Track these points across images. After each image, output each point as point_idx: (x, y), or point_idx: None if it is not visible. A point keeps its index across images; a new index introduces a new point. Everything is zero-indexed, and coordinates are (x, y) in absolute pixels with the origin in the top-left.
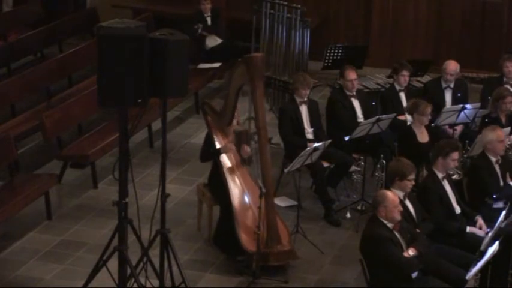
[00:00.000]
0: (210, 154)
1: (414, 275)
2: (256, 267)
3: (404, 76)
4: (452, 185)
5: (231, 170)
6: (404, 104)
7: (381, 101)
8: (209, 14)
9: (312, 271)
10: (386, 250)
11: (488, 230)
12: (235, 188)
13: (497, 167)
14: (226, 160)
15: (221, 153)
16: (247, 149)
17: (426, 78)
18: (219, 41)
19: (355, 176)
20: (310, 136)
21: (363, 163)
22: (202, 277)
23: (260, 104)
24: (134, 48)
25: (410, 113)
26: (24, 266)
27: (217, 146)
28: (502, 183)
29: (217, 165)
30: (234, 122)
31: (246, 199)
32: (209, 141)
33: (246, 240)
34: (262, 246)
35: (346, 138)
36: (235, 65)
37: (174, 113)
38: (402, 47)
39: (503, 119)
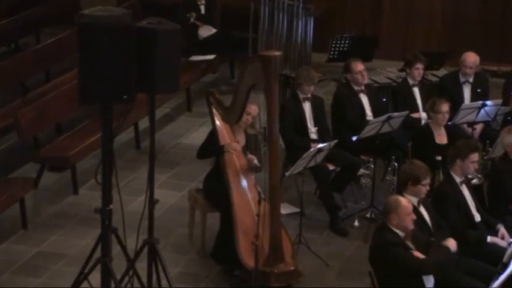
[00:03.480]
0: (210, 151)
1: (429, 285)
2: (254, 283)
3: (418, 69)
4: (472, 190)
5: (235, 172)
6: (418, 100)
7: (392, 97)
8: (203, 1)
9: (315, 285)
10: (396, 254)
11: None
12: (238, 193)
13: None
14: (230, 160)
15: (224, 152)
16: (251, 158)
17: (442, 71)
18: (214, 31)
19: (363, 180)
20: (314, 136)
21: (372, 166)
22: None
23: (274, 107)
24: (119, 39)
25: (428, 112)
26: None
27: (222, 143)
28: None
29: (219, 165)
30: (249, 121)
31: (249, 207)
32: (212, 136)
33: (246, 255)
34: (263, 264)
35: (354, 138)
36: (248, 60)
37: (164, 111)
38: (416, 38)
39: None
